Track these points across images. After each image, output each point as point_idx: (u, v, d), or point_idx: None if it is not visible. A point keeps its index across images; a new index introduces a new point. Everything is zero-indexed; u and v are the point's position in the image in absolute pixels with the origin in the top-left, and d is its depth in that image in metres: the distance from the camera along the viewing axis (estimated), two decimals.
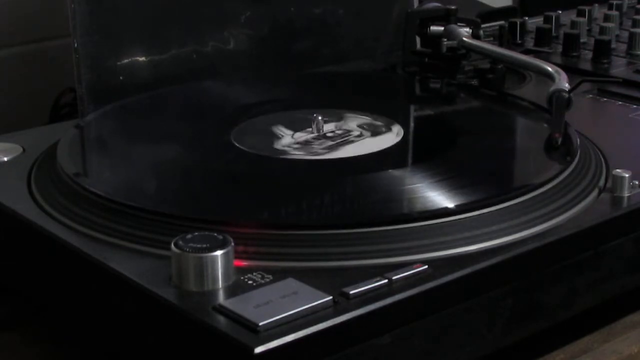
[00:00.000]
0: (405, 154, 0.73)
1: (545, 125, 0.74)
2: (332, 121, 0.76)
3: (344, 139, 0.73)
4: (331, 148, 0.71)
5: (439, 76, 0.89)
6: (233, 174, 0.68)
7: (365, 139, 0.73)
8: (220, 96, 0.86)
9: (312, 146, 0.72)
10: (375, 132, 0.74)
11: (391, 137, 0.73)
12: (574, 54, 0.97)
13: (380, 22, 1.02)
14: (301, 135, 0.74)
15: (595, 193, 0.65)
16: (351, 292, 0.52)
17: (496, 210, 0.61)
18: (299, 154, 0.70)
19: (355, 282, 0.53)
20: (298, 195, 0.64)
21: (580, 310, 0.63)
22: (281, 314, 0.50)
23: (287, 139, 0.73)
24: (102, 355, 0.62)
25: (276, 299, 0.51)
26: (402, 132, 0.74)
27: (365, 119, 0.77)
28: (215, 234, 0.54)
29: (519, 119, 0.82)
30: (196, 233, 0.54)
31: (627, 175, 0.65)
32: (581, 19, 1.03)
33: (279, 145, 0.72)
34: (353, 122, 0.76)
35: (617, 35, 1.02)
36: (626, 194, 0.65)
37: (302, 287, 0.53)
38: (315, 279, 0.54)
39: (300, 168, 0.69)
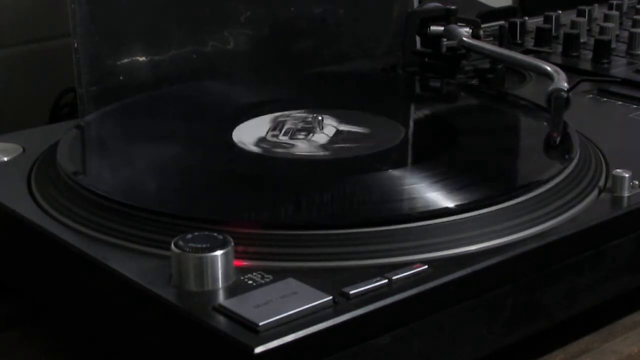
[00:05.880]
0: (405, 154, 0.73)
1: (545, 125, 0.74)
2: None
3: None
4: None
5: (439, 76, 0.89)
6: (233, 174, 0.68)
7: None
8: (220, 96, 0.86)
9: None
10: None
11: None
12: (574, 54, 0.97)
13: (380, 22, 1.02)
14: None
15: (595, 193, 0.65)
16: (351, 292, 0.52)
17: (496, 210, 0.61)
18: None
19: (355, 282, 0.53)
20: (298, 195, 0.64)
21: (580, 310, 0.63)
22: (281, 314, 0.50)
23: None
24: (103, 355, 0.62)
25: (276, 299, 0.51)
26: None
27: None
28: (215, 234, 0.54)
29: (519, 118, 0.82)
30: (196, 233, 0.54)
31: (627, 175, 0.65)
32: (581, 19, 1.03)
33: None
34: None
35: (617, 35, 1.02)
36: (626, 194, 0.65)
37: (302, 287, 0.53)
38: (315, 279, 0.54)
39: (300, 168, 0.69)
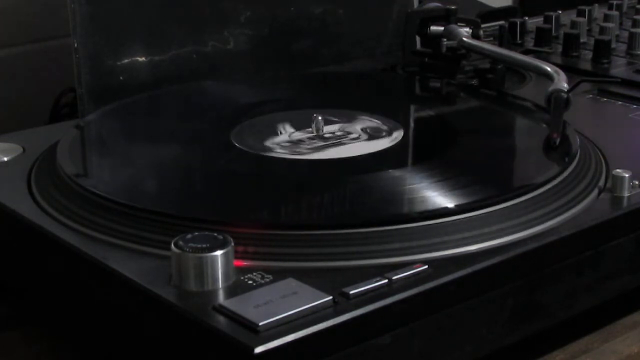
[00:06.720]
0: (405, 154, 0.73)
1: (545, 125, 0.74)
2: (339, 122, 0.76)
3: (338, 140, 0.73)
4: (318, 149, 0.71)
5: (439, 76, 0.89)
6: (233, 174, 0.68)
7: (359, 142, 0.72)
8: (220, 96, 0.86)
9: (300, 146, 0.71)
10: (372, 136, 0.74)
11: (385, 142, 0.72)
12: (574, 54, 0.97)
13: (380, 22, 1.02)
14: (297, 135, 0.74)
15: (595, 193, 0.65)
16: (351, 292, 0.52)
17: (496, 210, 0.61)
18: (281, 152, 0.70)
19: (355, 282, 0.53)
20: (298, 195, 0.64)
21: (580, 310, 0.63)
22: (281, 314, 0.50)
23: (283, 137, 0.73)
24: (102, 355, 0.62)
25: (276, 299, 0.51)
26: (399, 137, 0.73)
27: (373, 123, 0.76)
28: (215, 234, 0.54)
29: (519, 119, 0.82)
30: (196, 233, 0.54)
31: (627, 175, 0.65)
32: (581, 19, 1.03)
33: (268, 142, 0.72)
34: (359, 124, 0.76)
35: (617, 35, 1.02)
36: (626, 194, 0.65)
37: (302, 287, 0.53)
38: (315, 279, 0.54)
39: (300, 168, 0.69)
